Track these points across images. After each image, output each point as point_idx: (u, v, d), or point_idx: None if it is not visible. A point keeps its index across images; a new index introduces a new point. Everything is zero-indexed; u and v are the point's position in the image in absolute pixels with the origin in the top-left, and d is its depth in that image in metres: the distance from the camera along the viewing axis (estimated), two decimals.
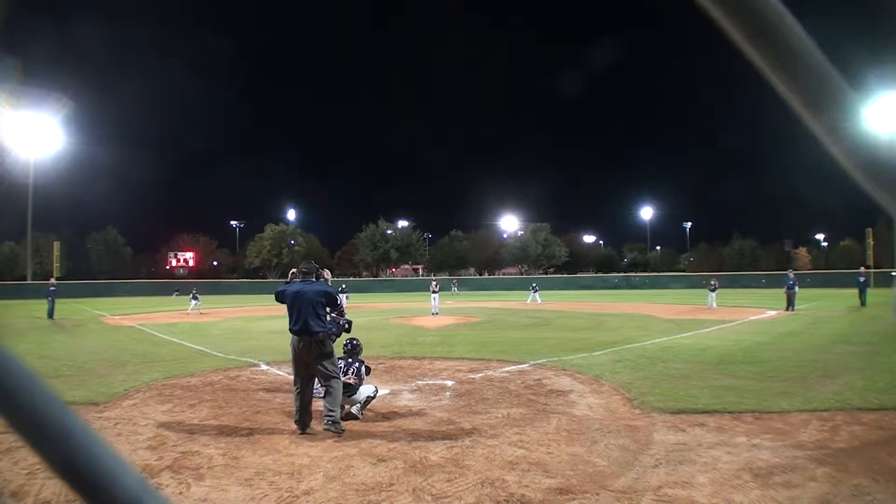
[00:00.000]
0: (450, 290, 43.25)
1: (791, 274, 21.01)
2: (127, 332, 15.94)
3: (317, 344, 5.26)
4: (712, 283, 23.97)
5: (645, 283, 55.74)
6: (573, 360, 9.19)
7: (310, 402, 5.38)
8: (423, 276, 71.11)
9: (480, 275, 78.44)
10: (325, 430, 5.14)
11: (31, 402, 0.33)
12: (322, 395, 6.57)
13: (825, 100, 0.36)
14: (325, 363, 5.31)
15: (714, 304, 22.14)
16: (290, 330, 5.34)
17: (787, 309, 19.56)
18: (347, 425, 5.38)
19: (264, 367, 9.02)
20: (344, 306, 5.58)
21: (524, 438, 4.95)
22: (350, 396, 5.72)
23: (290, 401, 5.89)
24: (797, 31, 0.36)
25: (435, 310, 21.29)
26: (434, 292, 21.62)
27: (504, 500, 3.65)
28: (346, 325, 6.33)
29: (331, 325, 5.69)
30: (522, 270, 75.09)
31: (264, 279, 67.60)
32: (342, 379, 5.56)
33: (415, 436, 5.11)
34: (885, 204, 0.37)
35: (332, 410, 5.21)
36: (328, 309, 5.54)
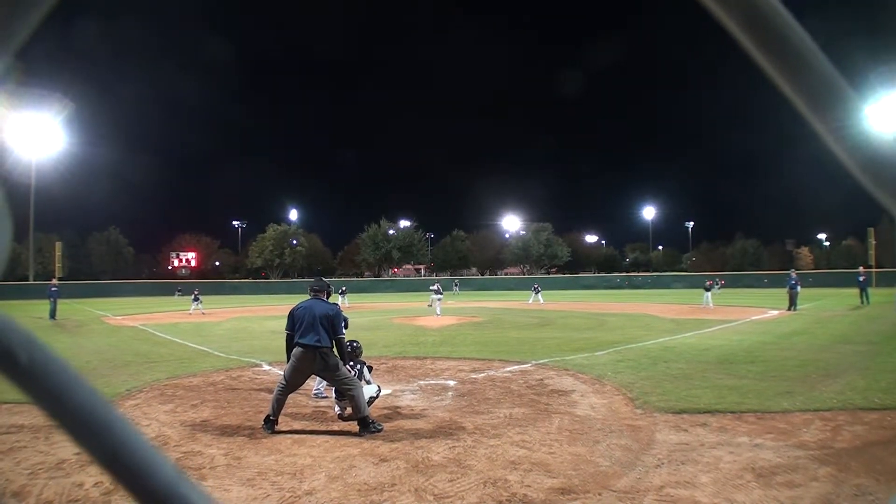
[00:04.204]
0: (451, 289, 43.28)
1: (793, 273, 20.95)
2: (129, 332, 15.97)
3: (321, 357, 5.35)
4: (707, 283, 24.12)
5: (647, 283, 55.69)
6: (575, 359, 9.18)
7: (283, 404, 5.46)
8: (425, 276, 71.14)
9: (482, 275, 78.44)
10: (361, 434, 5.15)
11: (77, 399, 0.36)
12: (324, 395, 6.61)
13: (827, 100, 0.37)
14: (335, 375, 5.39)
15: (710, 304, 22.12)
16: (295, 342, 5.46)
17: (789, 308, 19.52)
18: (349, 426, 5.39)
19: (266, 367, 9.04)
20: (346, 307, 5.50)
21: (526, 438, 4.95)
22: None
23: (292, 401, 5.92)
24: (800, 33, 0.36)
25: (437, 311, 20.80)
26: (437, 294, 21.14)
27: (506, 499, 3.65)
28: (358, 366, 6.19)
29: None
30: (524, 270, 75.06)
31: (266, 279, 67.68)
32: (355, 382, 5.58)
33: (417, 436, 5.11)
34: (886, 203, 0.38)
35: (361, 415, 5.26)
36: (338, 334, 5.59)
